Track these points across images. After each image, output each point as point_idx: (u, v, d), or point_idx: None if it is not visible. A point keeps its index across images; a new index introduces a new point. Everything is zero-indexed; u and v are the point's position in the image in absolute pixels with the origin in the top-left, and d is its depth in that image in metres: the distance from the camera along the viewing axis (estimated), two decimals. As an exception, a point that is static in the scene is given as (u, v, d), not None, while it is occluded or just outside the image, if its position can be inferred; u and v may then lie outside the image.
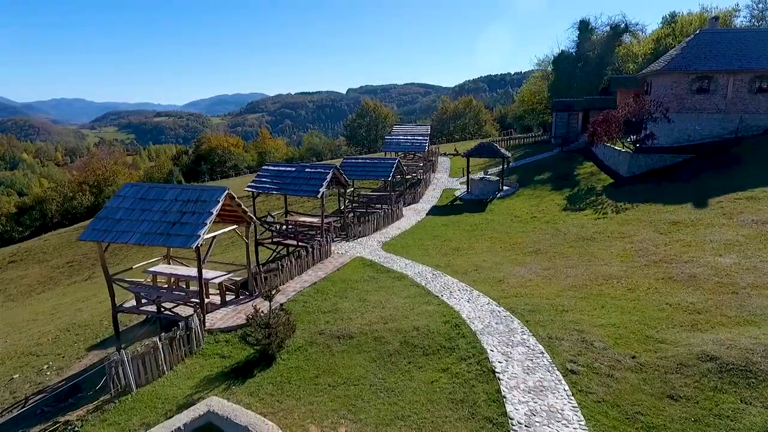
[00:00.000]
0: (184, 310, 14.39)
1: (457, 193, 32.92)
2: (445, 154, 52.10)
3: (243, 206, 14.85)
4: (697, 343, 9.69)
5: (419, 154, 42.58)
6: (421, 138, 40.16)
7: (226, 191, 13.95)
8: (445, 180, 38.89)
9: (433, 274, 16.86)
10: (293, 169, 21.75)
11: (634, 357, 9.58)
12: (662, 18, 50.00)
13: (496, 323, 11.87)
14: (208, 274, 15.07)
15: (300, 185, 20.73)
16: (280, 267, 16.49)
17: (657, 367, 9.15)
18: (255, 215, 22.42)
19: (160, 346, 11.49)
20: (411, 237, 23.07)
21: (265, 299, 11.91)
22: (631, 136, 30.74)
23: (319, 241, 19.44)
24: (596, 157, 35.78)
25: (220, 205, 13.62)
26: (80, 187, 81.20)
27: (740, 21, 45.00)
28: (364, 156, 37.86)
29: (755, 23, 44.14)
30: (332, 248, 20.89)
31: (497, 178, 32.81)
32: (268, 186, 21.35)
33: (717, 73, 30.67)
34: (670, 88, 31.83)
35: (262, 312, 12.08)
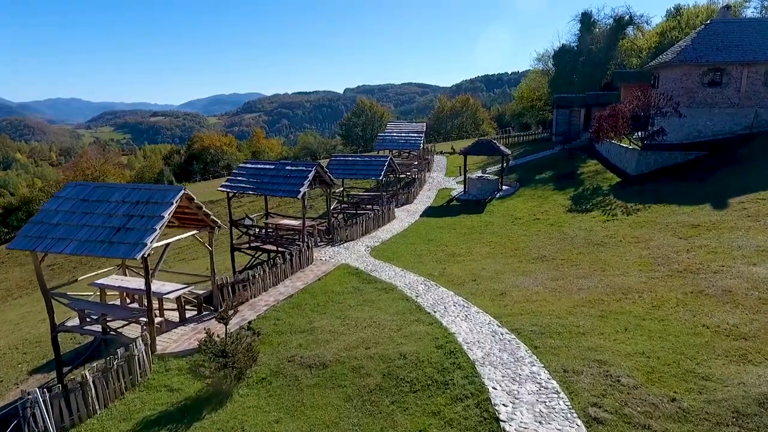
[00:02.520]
0: (135, 330, 12.35)
1: (454, 193, 30.94)
2: (441, 153, 50.14)
3: (205, 209, 12.82)
4: (752, 382, 7.71)
5: (414, 153, 40.56)
6: (415, 135, 38.14)
7: (182, 191, 11.93)
8: (441, 179, 36.90)
9: (426, 285, 14.85)
10: (272, 167, 19.72)
11: (674, 400, 7.59)
12: (666, 11, 48.18)
13: (499, 350, 9.87)
14: (163, 287, 13.05)
15: (279, 184, 18.70)
16: (250, 278, 14.45)
17: (706, 416, 7.16)
18: (230, 217, 20.48)
19: (90, 380, 9.45)
20: (403, 241, 21.07)
21: (220, 321, 9.88)
22: (638, 133, 28.86)
23: (298, 246, 17.41)
24: (600, 155, 33.91)
25: (173, 207, 11.60)
26: (68, 187, 79.30)
27: (750, 13, 43.14)
28: (353, 154, 35.82)
29: (767, 14, 42.26)
30: (315, 254, 18.90)
31: (496, 177, 30.84)
32: (243, 186, 19.31)
33: (730, 65, 28.75)
34: (679, 81, 29.90)
35: (218, 336, 10.06)
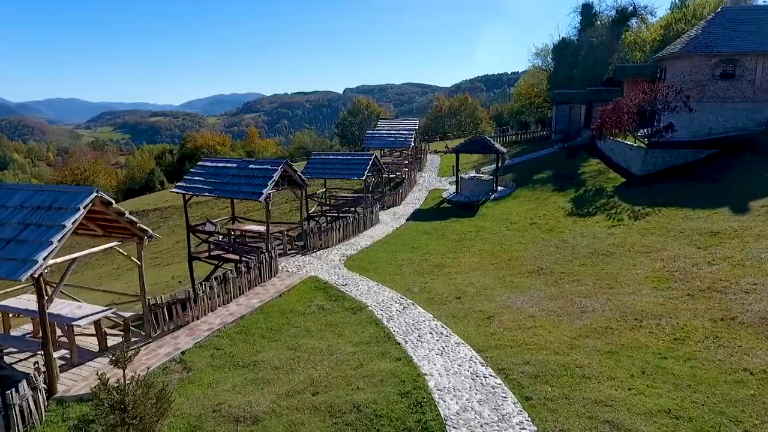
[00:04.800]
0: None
1: (445, 195, 28.68)
2: (435, 152, 47.95)
3: (129, 215, 10.56)
4: (831, 467, 5.46)
5: (406, 151, 38.31)
6: (406, 133, 35.89)
7: (94, 194, 9.66)
8: (432, 180, 34.64)
9: (401, 305, 12.59)
10: (234, 165, 17.48)
11: (720, 494, 5.34)
12: (671, 2, 45.91)
13: (480, 401, 7.61)
14: (79, 310, 10.79)
15: (240, 185, 16.44)
16: (191, 297, 12.18)
17: None
18: (187, 222, 18.24)
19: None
20: (383, 249, 18.81)
21: (115, 366, 7.61)
22: (643, 130, 26.65)
23: (257, 256, 15.12)
24: (602, 154, 31.73)
25: (79, 214, 9.33)
26: (56, 187, 78.25)
27: (762, 1, 40.88)
28: (335, 152, 33.63)
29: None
30: (282, 264, 16.67)
31: (491, 177, 28.60)
32: (200, 186, 17.04)
33: (743, 56, 26.55)
34: (688, 73, 27.67)
35: (117, 382, 7.79)
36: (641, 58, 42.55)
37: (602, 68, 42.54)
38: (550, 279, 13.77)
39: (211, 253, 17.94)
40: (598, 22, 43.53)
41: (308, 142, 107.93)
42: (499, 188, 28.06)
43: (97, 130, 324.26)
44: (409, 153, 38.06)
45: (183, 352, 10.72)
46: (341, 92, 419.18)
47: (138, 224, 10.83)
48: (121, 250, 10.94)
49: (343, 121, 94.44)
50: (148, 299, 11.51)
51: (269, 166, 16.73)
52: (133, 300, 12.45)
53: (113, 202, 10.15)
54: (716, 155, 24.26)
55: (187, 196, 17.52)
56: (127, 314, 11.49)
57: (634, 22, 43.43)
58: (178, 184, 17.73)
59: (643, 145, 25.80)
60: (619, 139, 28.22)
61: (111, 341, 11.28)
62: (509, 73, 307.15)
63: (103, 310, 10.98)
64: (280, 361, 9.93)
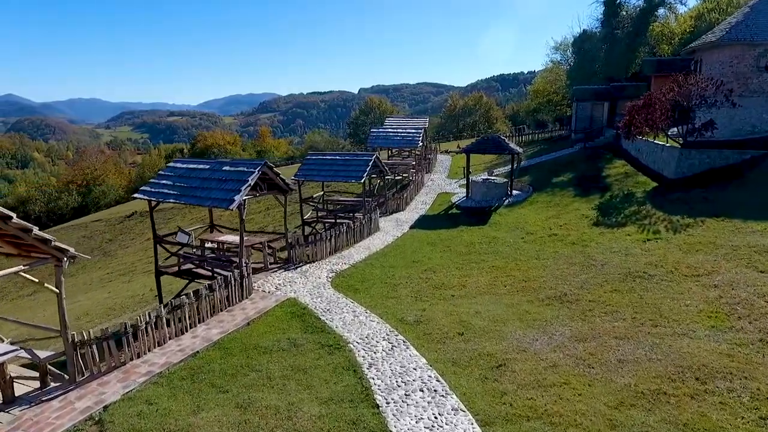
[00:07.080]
0: None
1: (454, 199, 26.08)
2: (447, 152, 45.37)
3: (39, 232, 8.32)
4: None
5: (415, 152, 35.81)
6: (413, 132, 33.35)
7: (-17, 207, 7.43)
8: (441, 182, 32.03)
9: (390, 343, 10.13)
10: (206, 167, 15.18)
11: None
12: (703, -8, 42.61)
13: None
14: (-24, 352, 8.55)
15: (210, 190, 14.13)
16: (128, 331, 9.86)
17: None
18: (154, 231, 16.05)
19: None
20: (379, 263, 16.34)
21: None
22: (674, 128, 23.81)
23: (226, 275, 12.78)
24: (628, 154, 28.87)
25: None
26: (67, 186, 78.61)
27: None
28: (332, 152, 31.30)
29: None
30: (259, 282, 14.37)
31: (505, 179, 25.95)
32: (166, 191, 14.75)
33: (793, 45, 23.57)
34: (728, 65, 24.70)
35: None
36: (669, 51, 39.41)
37: (627, 62, 39.50)
38: (576, 310, 11.18)
39: (181, 268, 15.70)
40: (624, 13, 40.43)
41: (320, 141, 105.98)
42: (514, 192, 25.40)
43: (117, 130, 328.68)
44: (417, 153, 35.60)
45: (106, 407, 8.41)
46: (356, 92, 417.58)
47: (53, 243, 8.57)
48: (27, 275, 8.70)
49: (355, 121, 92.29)
50: (73, 334, 9.25)
51: (245, 169, 14.39)
52: (49, 336, 10.20)
53: (12, 216, 7.89)
54: (763, 156, 21.35)
55: (153, 203, 15.30)
56: (45, 354, 9.23)
57: (662, 11, 40.22)
58: (142, 188, 15.49)
59: (676, 144, 22.95)
60: (649, 139, 25.38)
61: (24, 388, 9.06)
62: (525, 72, 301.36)
63: (10, 350, 8.73)
64: (220, 427, 7.56)
